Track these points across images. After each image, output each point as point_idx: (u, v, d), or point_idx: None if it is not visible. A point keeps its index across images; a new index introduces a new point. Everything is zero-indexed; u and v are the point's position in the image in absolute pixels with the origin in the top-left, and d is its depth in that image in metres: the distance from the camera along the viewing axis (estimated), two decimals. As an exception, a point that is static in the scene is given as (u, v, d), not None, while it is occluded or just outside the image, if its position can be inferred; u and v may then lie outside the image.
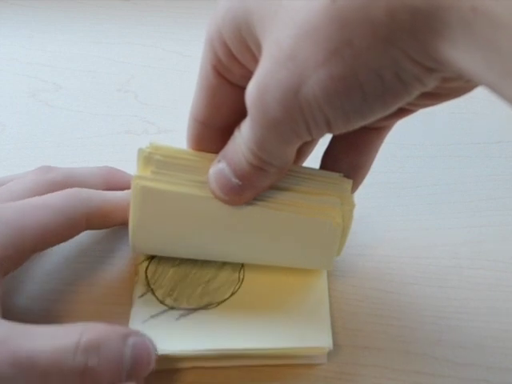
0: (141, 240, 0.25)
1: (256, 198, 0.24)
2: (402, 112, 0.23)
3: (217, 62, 0.22)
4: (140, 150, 0.24)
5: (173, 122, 0.37)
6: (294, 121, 0.18)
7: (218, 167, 0.23)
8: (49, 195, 0.25)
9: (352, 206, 0.25)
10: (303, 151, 0.27)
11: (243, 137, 0.21)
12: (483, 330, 0.26)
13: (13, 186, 0.26)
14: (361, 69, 0.16)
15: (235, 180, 0.22)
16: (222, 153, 0.23)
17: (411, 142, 0.36)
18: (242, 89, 0.21)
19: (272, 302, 0.26)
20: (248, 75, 0.20)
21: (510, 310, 0.27)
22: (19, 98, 0.39)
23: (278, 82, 0.18)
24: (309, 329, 0.25)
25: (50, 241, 0.25)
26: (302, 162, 0.27)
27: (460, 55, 0.15)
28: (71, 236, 0.25)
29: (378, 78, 0.16)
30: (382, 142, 0.25)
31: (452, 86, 0.19)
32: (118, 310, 0.26)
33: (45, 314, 0.26)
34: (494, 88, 0.15)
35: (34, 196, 0.25)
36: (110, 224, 0.27)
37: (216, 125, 0.24)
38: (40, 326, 0.21)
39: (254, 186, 0.22)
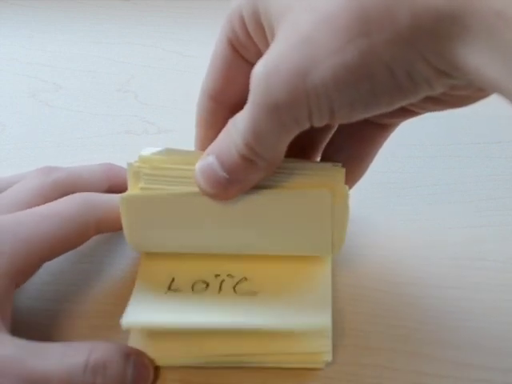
0: (138, 245, 0.26)
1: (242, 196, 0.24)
2: (408, 113, 0.23)
3: (234, 36, 0.22)
4: (129, 165, 0.24)
5: (173, 121, 0.37)
6: (296, 105, 0.18)
7: (206, 161, 0.23)
8: (56, 202, 0.25)
9: (346, 196, 0.24)
10: (313, 146, 0.27)
11: (238, 127, 0.21)
12: (483, 329, 0.26)
13: (17, 188, 0.26)
14: (374, 62, 0.16)
15: (223, 173, 0.22)
16: (210, 147, 0.23)
17: (411, 142, 0.36)
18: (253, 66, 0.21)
19: (273, 286, 0.26)
20: (261, 55, 0.20)
21: (510, 309, 0.27)
22: (19, 98, 0.39)
23: (288, 64, 0.18)
24: (307, 310, 0.25)
25: (60, 249, 0.25)
26: (313, 159, 0.27)
27: (479, 61, 0.15)
28: (81, 242, 0.26)
29: (390, 74, 0.17)
30: (385, 140, 0.26)
31: (459, 94, 0.20)
32: (118, 310, 0.26)
33: (46, 314, 0.26)
34: (510, 96, 0.15)
35: (40, 198, 0.25)
36: (119, 228, 0.27)
37: (226, 101, 0.24)
38: (50, 344, 0.23)
39: (241, 180, 0.22)
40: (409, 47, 0.16)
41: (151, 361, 0.24)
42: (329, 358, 0.24)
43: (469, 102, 0.21)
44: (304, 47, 0.17)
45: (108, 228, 0.26)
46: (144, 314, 0.24)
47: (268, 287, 0.26)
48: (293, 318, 0.24)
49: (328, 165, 0.25)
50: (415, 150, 0.36)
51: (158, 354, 0.24)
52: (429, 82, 0.17)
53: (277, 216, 0.25)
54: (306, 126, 0.19)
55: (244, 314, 0.24)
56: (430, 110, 0.22)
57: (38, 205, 0.25)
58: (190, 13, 0.47)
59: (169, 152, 0.25)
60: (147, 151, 0.25)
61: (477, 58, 0.15)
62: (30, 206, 0.25)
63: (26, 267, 0.23)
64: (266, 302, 0.25)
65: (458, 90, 0.19)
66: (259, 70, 0.19)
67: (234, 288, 0.26)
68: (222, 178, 0.22)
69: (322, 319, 0.24)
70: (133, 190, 0.24)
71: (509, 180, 0.34)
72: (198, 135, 0.26)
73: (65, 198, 0.25)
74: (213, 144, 0.23)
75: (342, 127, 0.26)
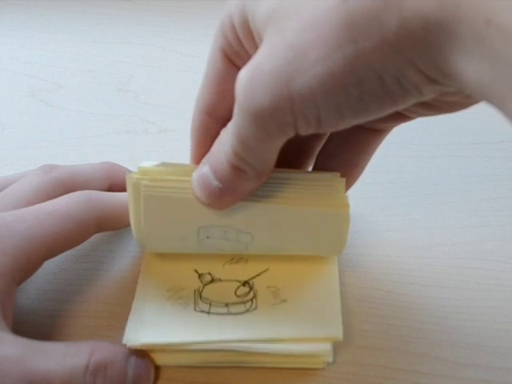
0: (147, 244, 0.26)
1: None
2: (401, 118, 0.23)
3: (226, 45, 0.22)
4: (128, 177, 0.24)
5: (173, 121, 0.37)
6: (280, 111, 0.18)
7: (202, 170, 0.23)
8: (58, 200, 0.25)
9: (347, 206, 0.24)
10: (307, 153, 0.27)
11: (228, 135, 0.21)
12: (483, 329, 0.26)
13: (18, 186, 0.26)
14: (362, 69, 0.16)
15: (216, 182, 0.22)
16: (206, 157, 0.23)
17: (411, 142, 0.36)
18: None
19: (282, 291, 0.26)
20: None
21: (510, 309, 0.27)
22: (19, 98, 0.39)
23: (273, 69, 0.17)
24: (319, 320, 0.25)
25: (62, 247, 0.25)
26: (307, 165, 0.27)
27: (468, 68, 0.15)
28: (83, 240, 0.26)
29: (379, 80, 0.16)
30: (378, 145, 0.26)
31: (449, 99, 0.20)
32: (118, 309, 0.26)
33: (46, 313, 0.26)
34: (498, 104, 0.15)
35: (41, 196, 0.25)
36: (120, 226, 0.27)
37: (221, 115, 0.24)
38: (51, 344, 0.23)
39: (233, 189, 0.22)
40: (397, 54, 0.16)
41: (152, 361, 0.24)
42: (329, 358, 0.24)
43: (460, 108, 0.21)
44: (289, 53, 0.17)
45: (109, 226, 0.26)
46: (147, 331, 0.24)
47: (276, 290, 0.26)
48: (303, 329, 0.24)
49: (328, 175, 0.25)
50: (415, 149, 0.36)
51: (159, 353, 0.24)
52: (418, 88, 0.17)
53: (290, 226, 0.25)
54: (291, 133, 0.19)
55: (250, 327, 0.24)
56: (422, 115, 0.22)
57: (39, 202, 0.25)
58: (190, 13, 0.47)
59: (167, 164, 0.24)
60: (146, 164, 0.24)
61: (465, 66, 0.15)
62: (31, 204, 0.25)
63: (28, 265, 0.23)
64: (276, 311, 0.25)
65: (449, 96, 0.19)
66: (243, 75, 0.18)
67: (235, 292, 0.26)
68: (215, 187, 0.22)
69: (334, 330, 0.24)
70: (131, 201, 0.24)
71: (509, 180, 0.34)
72: (194, 150, 0.25)
73: (66, 195, 0.25)
74: (208, 153, 0.23)
75: (335, 133, 0.26)
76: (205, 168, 0.22)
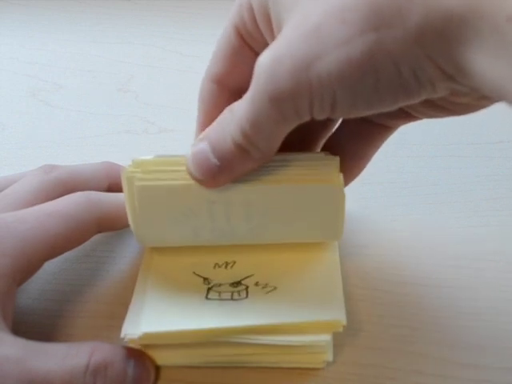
0: (145, 237, 0.26)
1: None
2: (408, 117, 0.23)
3: (241, 25, 0.22)
4: (123, 170, 0.24)
5: (173, 121, 0.37)
6: (299, 95, 0.18)
7: (199, 146, 0.22)
8: (58, 200, 0.25)
9: (341, 184, 0.24)
10: (315, 138, 0.27)
11: (236, 115, 0.21)
12: (483, 329, 0.26)
13: (18, 187, 0.26)
14: (381, 57, 0.16)
15: (214, 160, 0.22)
16: (204, 133, 0.23)
17: (411, 142, 0.36)
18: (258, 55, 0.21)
19: (283, 279, 0.26)
20: (267, 46, 0.20)
21: (510, 309, 0.27)
22: (19, 98, 0.39)
23: (294, 53, 0.18)
24: (322, 304, 0.25)
25: (63, 248, 0.25)
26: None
27: (486, 65, 0.15)
28: (83, 241, 0.26)
29: (396, 71, 0.17)
30: (384, 141, 0.26)
31: (461, 101, 0.20)
32: (118, 310, 0.26)
33: (46, 314, 0.26)
34: None
35: (41, 196, 0.25)
36: (120, 226, 0.27)
37: (229, 84, 0.24)
38: (51, 344, 0.23)
39: (231, 168, 0.22)
40: (417, 46, 0.16)
41: (152, 361, 0.24)
42: (329, 357, 0.24)
43: (468, 111, 0.21)
44: (312, 37, 0.17)
45: (109, 226, 0.26)
46: (144, 323, 0.24)
47: (278, 281, 0.26)
48: (305, 313, 0.24)
49: (321, 154, 0.25)
50: (415, 149, 0.36)
51: (159, 353, 0.24)
52: (433, 83, 0.17)
53: (287, 206, 0.25)
54: (306, 117, 0.19)
55: (251, 312, 0.24)
56: (430, 116, 0.22)
57: (40, 203, 0.25)
58: (190, 13, 0.47)
59: (161, 156, 0.24)
60: (141, 158, 0.24)
61: (483, 62, 0.15)
62: (32, 204, 0.25)
63: (28, 266, 0.23)
64: (278, 298, 0.25)
65: (458, 97, 0.19)
66: (265, 58, 0.19)
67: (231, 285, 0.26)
68: (212, 164, 0.22)
69: (337, 313, 0.24)
70: (126, 193, 0.24)
71: (509, 180, 0.34)
72: (199, 117, 0.26)
73: (66, 196, 0.25)
74: (207, 130, 0.22)
75: (342, 125, 0.26)
76: (202, 144, 0.22)
